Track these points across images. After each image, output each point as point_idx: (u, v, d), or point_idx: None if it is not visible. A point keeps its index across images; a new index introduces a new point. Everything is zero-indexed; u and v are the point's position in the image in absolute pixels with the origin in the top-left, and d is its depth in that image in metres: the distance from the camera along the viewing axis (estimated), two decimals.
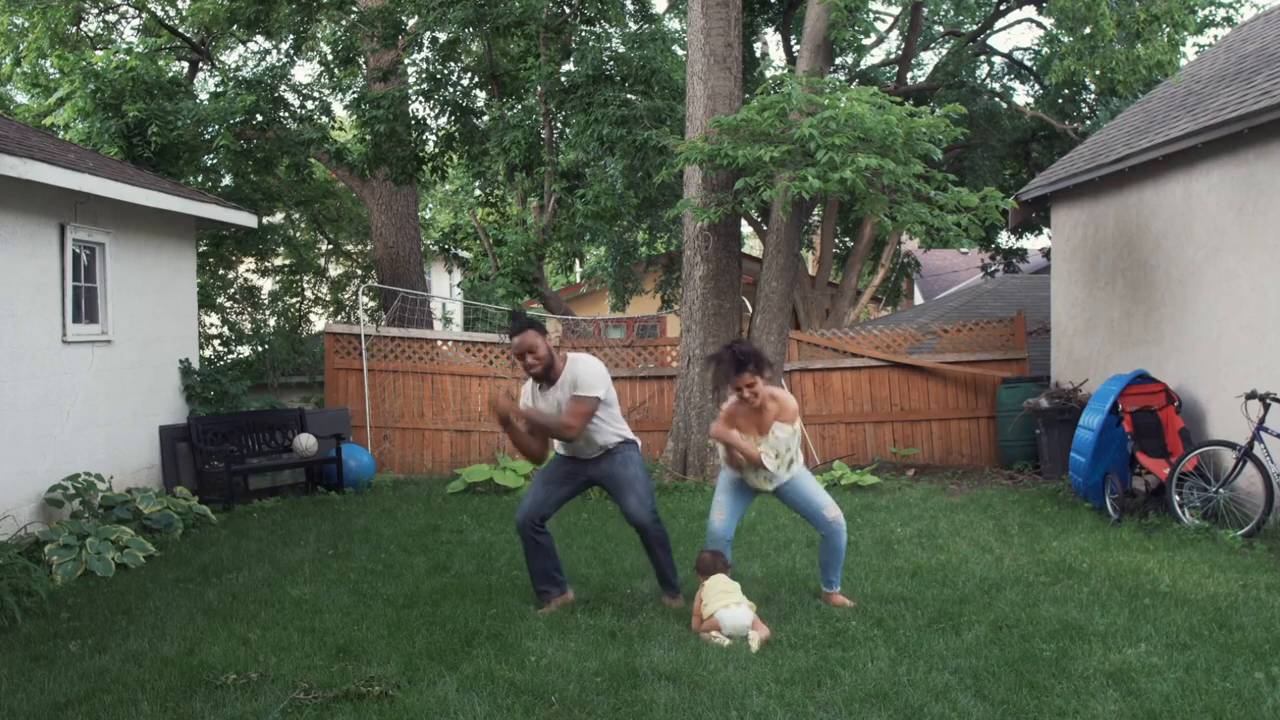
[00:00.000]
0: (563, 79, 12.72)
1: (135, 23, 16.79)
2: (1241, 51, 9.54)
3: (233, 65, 16.33)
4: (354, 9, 14.61)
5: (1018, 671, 4.22)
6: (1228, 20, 14.81)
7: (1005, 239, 18.17)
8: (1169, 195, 8.49)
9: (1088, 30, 8.51)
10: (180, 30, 16.11)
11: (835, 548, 5.33)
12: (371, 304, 17.78)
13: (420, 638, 4.90)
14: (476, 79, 14.49)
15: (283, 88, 14.60)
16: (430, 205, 26.22)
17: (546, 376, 5.34)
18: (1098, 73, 8.83)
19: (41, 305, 7.70)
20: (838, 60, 15.84)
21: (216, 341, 16.17)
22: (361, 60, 15.10)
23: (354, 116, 14.21)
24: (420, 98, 14.20)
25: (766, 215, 12.02)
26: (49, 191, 7.59)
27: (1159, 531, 6.94)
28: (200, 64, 16.57)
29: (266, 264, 18.29)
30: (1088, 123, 14.33)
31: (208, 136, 13.25)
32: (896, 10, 16.45)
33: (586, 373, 5.30)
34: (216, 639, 4.97)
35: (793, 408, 5.30)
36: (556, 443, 5.51)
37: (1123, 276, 9.20)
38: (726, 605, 4.79)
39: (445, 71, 14.27)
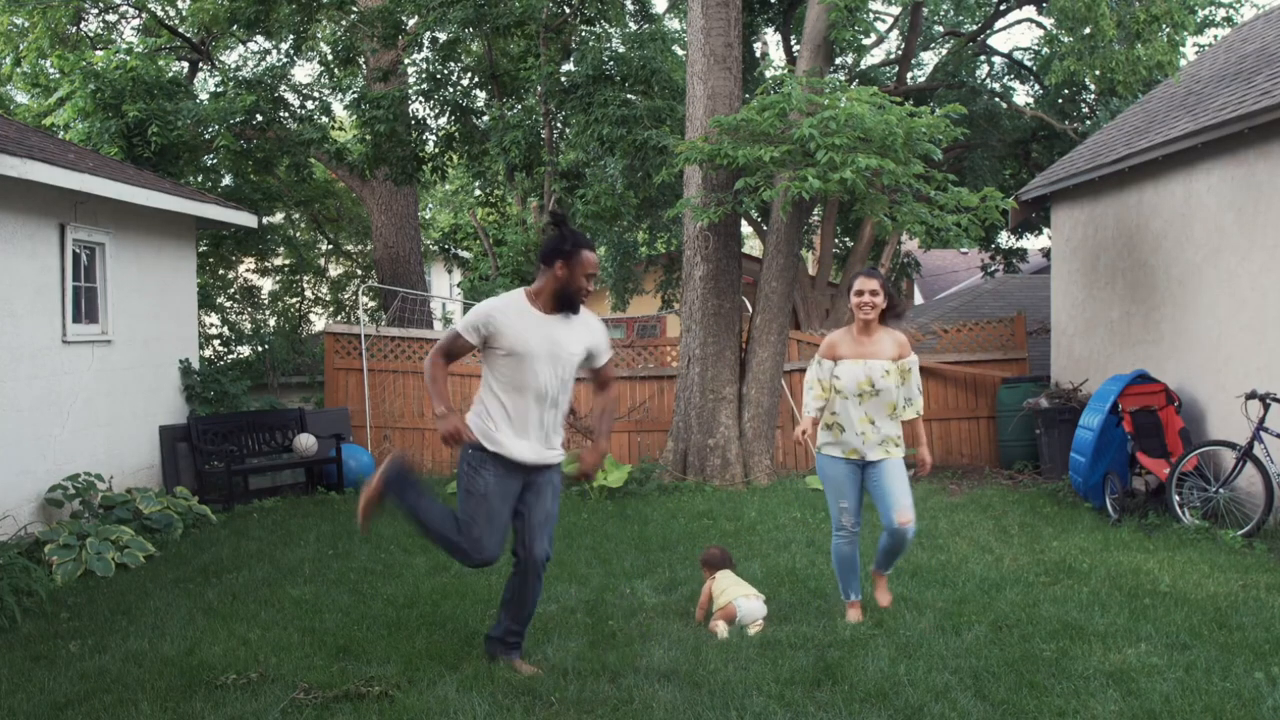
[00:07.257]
0: (563, 79, 12.72)
1: (135, 23, 16.83)
2: (1241, 51, 9.53)
3: (233, 65, 16.36)
4: (354, 9, 14.62)
5: (1018, 671, 4.22)
6: (1228, 20, 14.80)
7: (1005, 239, 18.15)
8: (1169, 195, 8.48)
9: (1088, 30, 8.51)
10: (180, 30, 16.13)
11: (891, 550, 5.10)
12: (371, 304, 17.78)
13: (420, 638, 4.90)
14: (476, 79, 14.50)
15: (283, 88, 14.63)
16: (430, 205, 26.21)
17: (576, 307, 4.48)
18: (1098, 73, 8.83)
19: (41, 305, 7.70)
20: (838, 60, 15.82)
21: (216, 341, 16.18)
22: (361, 60, 15.11)
23: (354, 116, 14.23)
24: (420, 98, 14.21)
25: (766, 215, 12.01)
26: (49, 191, 7.58)
27: (1159, 531, 6.94)
28: (200, 64, 16.59)
29: (266, 264, 18.31)
30: (1088, 123, 14.33)
31: (208, 136, 13.27)
32: (896, 10, 16.45)
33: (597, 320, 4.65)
34: (216, 639, 4.97)
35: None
36: (505, 438, 4.34)
37: (1123, 276, 9.20)
38: (746, 595, 5.02)
39: (445, 71, 14.28)
